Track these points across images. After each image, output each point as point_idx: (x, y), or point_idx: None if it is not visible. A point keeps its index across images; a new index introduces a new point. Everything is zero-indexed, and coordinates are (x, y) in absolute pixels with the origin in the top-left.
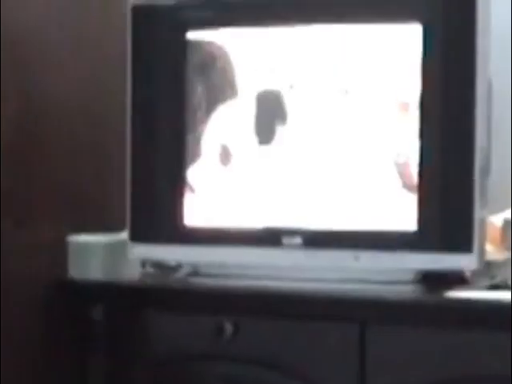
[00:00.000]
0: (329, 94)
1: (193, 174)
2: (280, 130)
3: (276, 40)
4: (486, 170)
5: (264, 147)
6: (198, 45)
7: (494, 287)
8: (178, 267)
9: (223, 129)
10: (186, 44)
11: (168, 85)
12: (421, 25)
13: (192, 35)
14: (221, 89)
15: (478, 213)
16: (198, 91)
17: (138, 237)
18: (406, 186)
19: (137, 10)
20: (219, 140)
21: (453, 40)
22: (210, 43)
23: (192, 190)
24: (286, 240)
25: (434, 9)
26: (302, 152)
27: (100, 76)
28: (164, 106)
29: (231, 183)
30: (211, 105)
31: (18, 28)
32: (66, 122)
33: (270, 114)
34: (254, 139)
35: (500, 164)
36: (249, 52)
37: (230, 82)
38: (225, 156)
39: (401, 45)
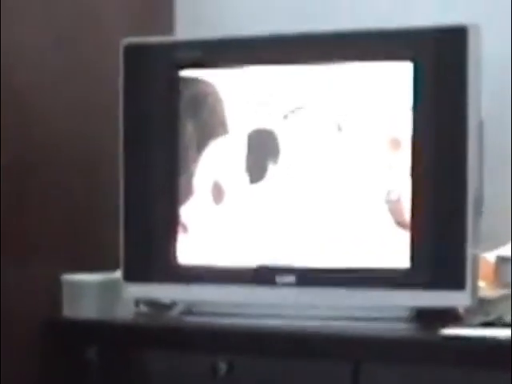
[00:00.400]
0: (321, 131)
1: (186, 212)
2: (272, 168)
3: (269, 79)
4: (478, 206)
5: (255, 185)
6: (189, 83)
7: (488, 324)
8: (171, 306)
9: (215, 167)
10: (178, 82)
11: (160, 123)
12: (411, 63)
13: (184, 73)
14: (212, 127)
15: (470, 249)
16: (189, 129)
17: (131, 276)
18: (399, 223)
19: (129, 49)
20: (211, 178)
21: (444, 78)
22: (201, 81)
23: (185, 229)
24: (279, 278)
25: (425, 47)
26: (294, 190)
27: (95, 115)
28: (156, 145)
29: (224, 222)
30: (202, 142)
31: (16, 73)
32: (62, 161)
33: (261, 153)
34: (246, 177)
35: (494, 201)
36: (241, 91)
37: (220, 119)
38: (217, 194)
39: (392, 83)
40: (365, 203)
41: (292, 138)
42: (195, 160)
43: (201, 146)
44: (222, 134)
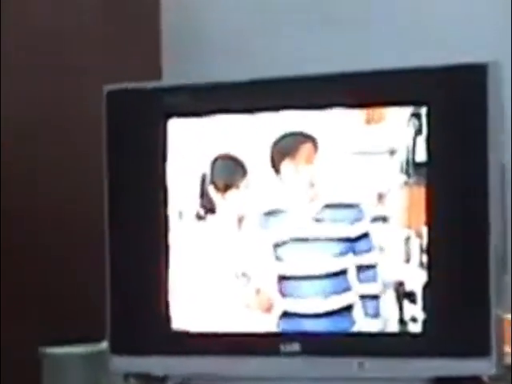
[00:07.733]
0: None
1: (177, 275)
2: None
3: (267, 126)
4: (503, 262)
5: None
6: (177, 130)
7: None
8: (165, 379)
9: None
10: (165, 130)
11: (147, 174)
12: (426, 106)
13: (172, 121)
14: None
15: (494, 312)
16: None
17: (119, 348)
18: None
19: (112, 95)
20: None
21: (462, 120)
22: (190, 129)
23: (179, 293)
24: (283, 347)
25: (440, 88)
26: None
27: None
28: (144, 202)
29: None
30: None
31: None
32: (43, 225)
33: None
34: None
35: None
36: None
37: None
38: None
39: (404, 128)
40: None
41: None
42: None
43: None
44: None
